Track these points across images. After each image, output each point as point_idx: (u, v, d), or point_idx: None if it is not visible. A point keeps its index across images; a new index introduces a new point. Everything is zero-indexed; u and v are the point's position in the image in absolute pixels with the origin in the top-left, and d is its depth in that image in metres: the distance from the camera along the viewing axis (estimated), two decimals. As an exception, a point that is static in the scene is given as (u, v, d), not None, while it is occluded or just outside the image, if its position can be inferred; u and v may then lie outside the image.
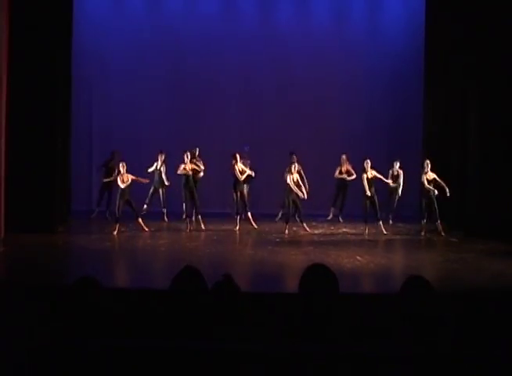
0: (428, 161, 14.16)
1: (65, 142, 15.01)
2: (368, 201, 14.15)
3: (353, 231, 14.73)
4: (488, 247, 12.72)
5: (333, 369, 3.18)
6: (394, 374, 3.19)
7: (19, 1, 13.13)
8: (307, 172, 15.04)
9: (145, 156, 16.14)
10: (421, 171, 14.19)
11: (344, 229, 14.92)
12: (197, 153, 15.61)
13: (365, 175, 14.27)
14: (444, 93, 15.88)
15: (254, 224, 14.78)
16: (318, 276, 3.64)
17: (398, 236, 14.21)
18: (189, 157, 14.58)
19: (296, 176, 14.37)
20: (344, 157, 15.89)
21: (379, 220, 14.27)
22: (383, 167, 15.12)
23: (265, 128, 17.53)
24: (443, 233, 13.99)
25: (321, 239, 13.78)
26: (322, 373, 3.18)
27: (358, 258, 11.57)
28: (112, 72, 17.63)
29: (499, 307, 7.34)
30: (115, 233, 13.72)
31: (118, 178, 14.06)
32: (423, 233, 14.02)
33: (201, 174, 15.42)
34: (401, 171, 15.35)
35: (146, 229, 14.06)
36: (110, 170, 15.70)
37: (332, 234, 14.41)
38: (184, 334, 3.55)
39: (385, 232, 14.12)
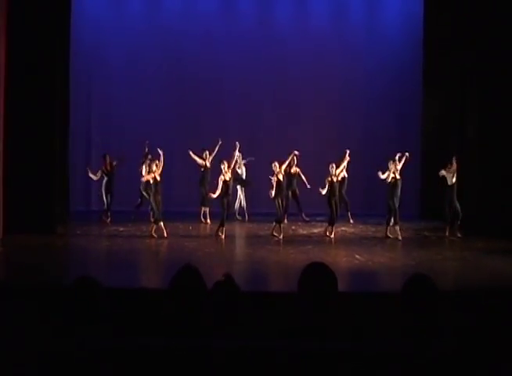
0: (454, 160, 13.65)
1: (63, 142, 15.01)
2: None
3: (352, 230, 14.72)
4: (488, 246, 12.73)
5: (332, 368, 3.18)
6: (394, 374, 3.19)
7: (18, 0, 13.12)
8: (305, 171, 15.08)
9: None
10: (448, 169, 13.63)
11: (343, 228, 14.90)
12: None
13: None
14: (442, 92, 15.89)
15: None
16: (317, 274, 3.64)
17: (395, 235, 14.19)
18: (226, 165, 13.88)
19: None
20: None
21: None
22: (380, 165, 15.07)
23: (263, 126, 17.54)
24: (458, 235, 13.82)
25: (320, 238, 13.77)
26: (322, 372, 3.18)
27: (357, 256, 11.58)
28: (110, 72, 17.60)
29: (499, 305, 7.35)
30: (164, 234, 13.45)
31: (150, 177, 13.78)
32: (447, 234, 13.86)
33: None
34: None
35: (155, 235, 13.48)
36: (110, 173, 15.66)
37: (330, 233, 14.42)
38: (183, 333, 3.55)
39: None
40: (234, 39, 17.58)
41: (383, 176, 13.77)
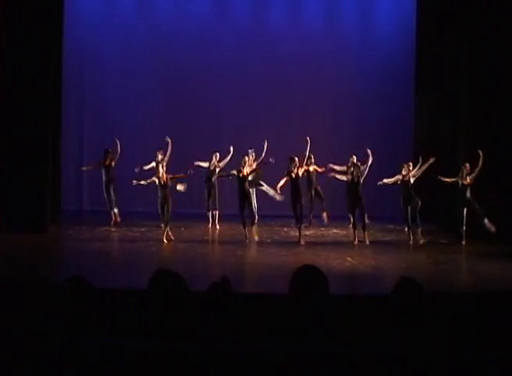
0: (467, 165, 13.36)
1: (55, 141, 14.97)
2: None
3: (344, 232, 14.72)
4: (478, 249, 12.76)
5: (322, 369, 3.18)
6: (384, 375, 3.20)
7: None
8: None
9: (136, 155, 16.11)
10: (460, 175, 13.35)
11: (335, 231, 14.91)
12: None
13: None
14: (435, 93, 15.93)
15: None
16: (308, 277, 3.64)
17: (388, 238, 14.23)
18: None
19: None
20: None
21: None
22: (374, 167, 15.08)
23: (257, 126, 17.53)
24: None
25: (311, 240, 13.76)
26: (312, 373, 3.18)
27: (348, 259, 11.59)
28: (103, 70, 17.59)
29: (488, 308, 7.37)
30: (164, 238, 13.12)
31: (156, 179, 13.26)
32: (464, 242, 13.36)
33: None
34: None
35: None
36: (109, 168, 15.19)
37: (322, 235, 14.41)
38: (173, 334, 3.54)
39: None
40: (228, 39, 17.60)
41: (387, 180, 13.78)
